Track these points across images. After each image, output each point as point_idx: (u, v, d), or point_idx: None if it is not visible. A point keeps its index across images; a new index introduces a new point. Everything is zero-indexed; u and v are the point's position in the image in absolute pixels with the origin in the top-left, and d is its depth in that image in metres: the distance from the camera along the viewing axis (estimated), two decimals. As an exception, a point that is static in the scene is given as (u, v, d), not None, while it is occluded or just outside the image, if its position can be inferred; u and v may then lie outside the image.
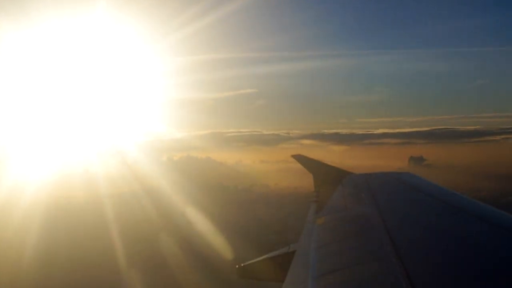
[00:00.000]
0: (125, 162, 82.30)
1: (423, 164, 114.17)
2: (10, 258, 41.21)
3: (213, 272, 35.39)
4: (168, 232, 46.34)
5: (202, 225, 40.90)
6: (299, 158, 14.20)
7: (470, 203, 6.23)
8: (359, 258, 4.37)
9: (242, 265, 6.57)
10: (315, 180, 11.02)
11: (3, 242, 44.59)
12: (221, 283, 33.51)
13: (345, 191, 8.70)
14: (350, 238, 5.27)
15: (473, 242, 4.33)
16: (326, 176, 11.16)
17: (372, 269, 3.95)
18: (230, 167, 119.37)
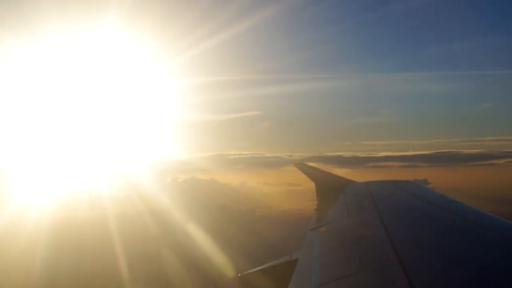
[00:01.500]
0: (129, 183, 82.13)
1: (427, 187, 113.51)
2: (15, 278, 41.05)
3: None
4: (172, 253, 46.15)
5: (206, 245, 40.84)
6: (301, 166, 14.06)
7: (474, 212, 6.16)
8: (361, 267, 4.39)
9: (244, 273, 6.64)
10: (317, 188, 10.85)
11: (8, 263, 44.47)
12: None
13: (348, 199, 8.62)
14: (352, 246, 5.26)
15: (478, 252, 4.32)
16: (329, 184, 11.01)
17: (374, 277, 3.99)
18: (233, 189, 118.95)
